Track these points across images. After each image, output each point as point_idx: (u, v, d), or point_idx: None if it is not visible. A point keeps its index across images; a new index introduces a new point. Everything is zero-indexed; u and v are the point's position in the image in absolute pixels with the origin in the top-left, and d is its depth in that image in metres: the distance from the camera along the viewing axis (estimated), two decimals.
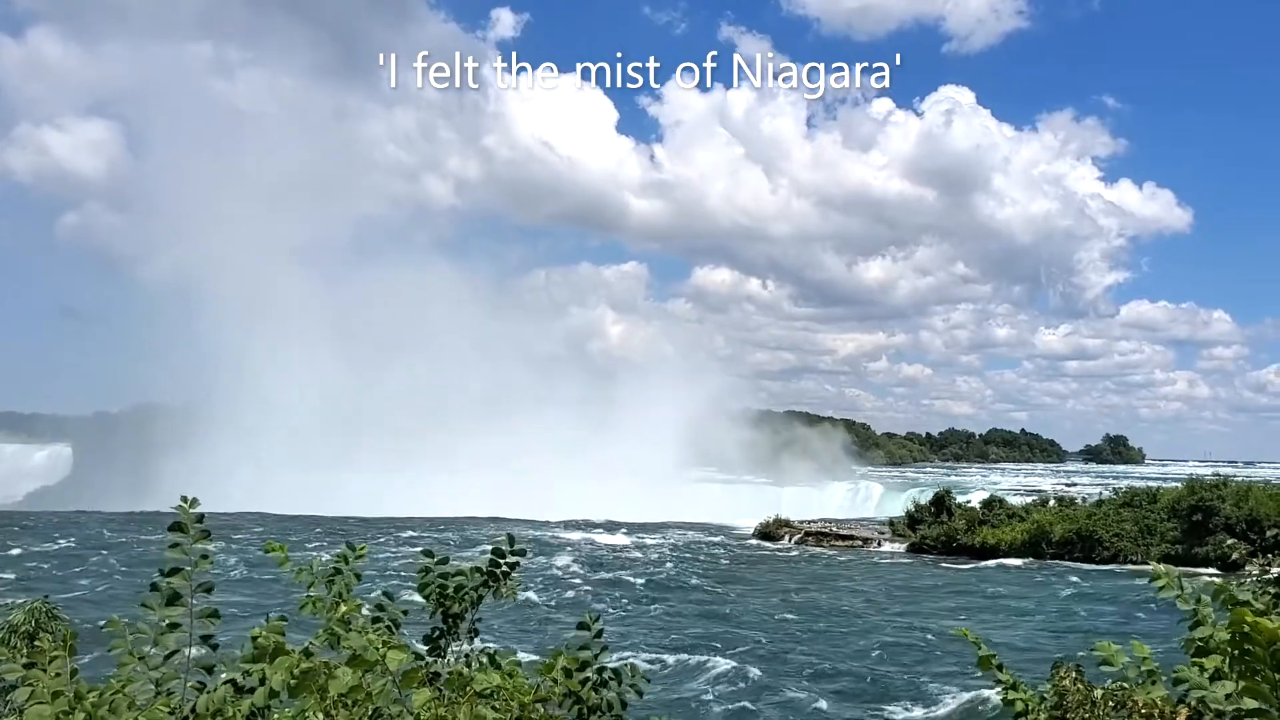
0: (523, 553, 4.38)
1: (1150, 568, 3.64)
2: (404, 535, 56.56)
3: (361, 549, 4.12)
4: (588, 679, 3.86)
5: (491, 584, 4.33)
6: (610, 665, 3.96)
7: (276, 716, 3.47)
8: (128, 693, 3.38)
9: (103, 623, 3.67)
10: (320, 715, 3.29)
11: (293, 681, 3.33)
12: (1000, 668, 3.72)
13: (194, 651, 3.57)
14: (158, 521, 55.66)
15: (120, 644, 3.55)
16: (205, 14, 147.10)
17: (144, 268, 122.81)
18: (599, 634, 4.01)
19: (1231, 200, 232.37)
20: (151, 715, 3.28)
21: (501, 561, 4.35)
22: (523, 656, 4.19)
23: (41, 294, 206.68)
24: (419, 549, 4.54)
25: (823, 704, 22.79)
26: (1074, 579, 44.17)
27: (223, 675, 3.51)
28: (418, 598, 4.34)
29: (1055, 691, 3.66)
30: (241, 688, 3.45)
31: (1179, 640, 3.39)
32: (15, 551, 44.94)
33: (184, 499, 3.76)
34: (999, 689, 3.72)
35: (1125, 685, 3.49)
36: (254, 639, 3.46)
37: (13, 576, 37.73)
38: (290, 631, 3.53)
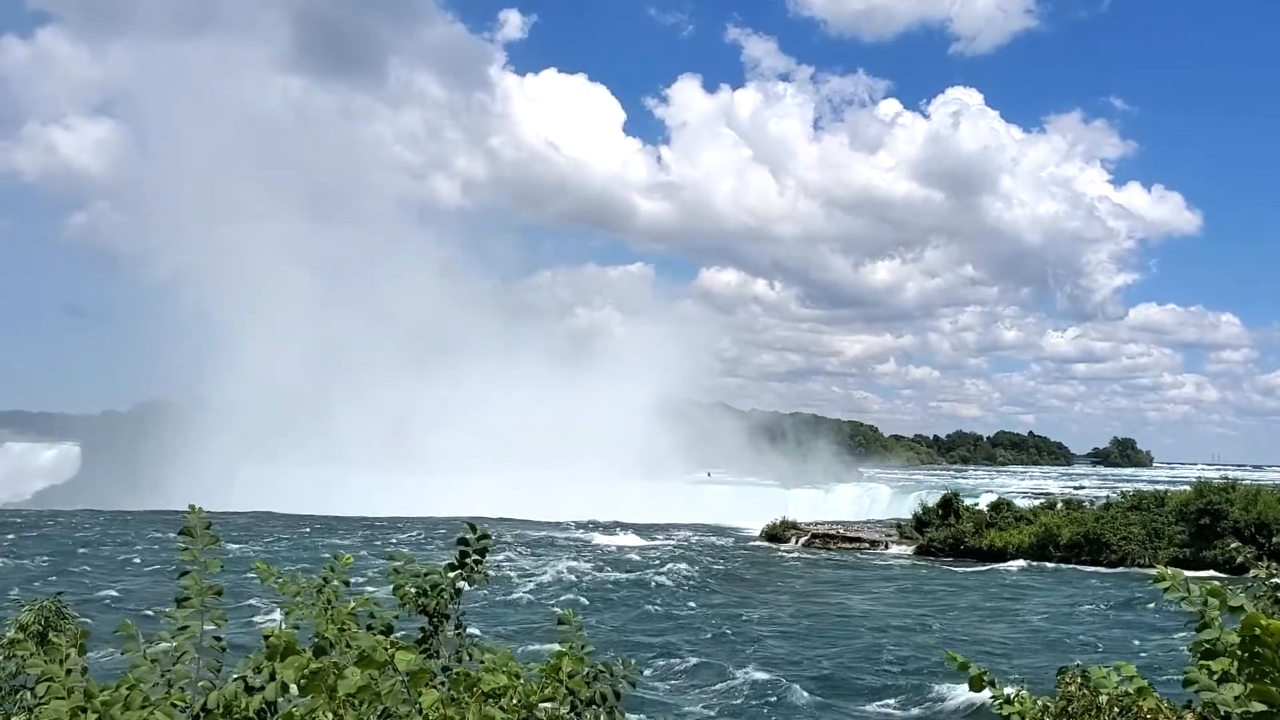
0: (487, 538, 4.43)
1: (1156, 570, 3.64)
2: (409, 536, 56.66)
3: (347, 559, 4.18)
4: (574, 672, 3.90)
5: (465, 574, 4.37)
6: (600, 660, 4.01)
7: (285, 714, 3.49)
8: (140, 689, 3.41)
9: (114, 628, 3.71)
10: (329, 715, 3.30)
11: (302, 681, 3.36)
12: (992, 684, 3.73)
13: (204, 653, 3.60)
14: (165, 521, 55.82)
15: (132, 646, 3.58)
16: (211, 13, 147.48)
17: (151, 267, 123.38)
18: (580, 628, 4.07)
19: (1240, 203, 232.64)
20: (164, 711, 3.31)
21: (469, 550, 4.39)
22: (526, 656, 4.22)
23: (50, 293, 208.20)
24: (425, 550, 4.57)
25: (830, 706, 22.77)
26: (1082, 582, 44.07)
27: (233, 674, 3.54)
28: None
29: (1061, 697, 3.66)
30: (252, 687, 3.47)
31: (1187, 645, 3.39)
32: (23, 550, 45.11)
33: (192, 507, 3.81)
34: (994, 703, 3.72)
35: (1130, 692, 3.50)
36: (266, 638, 3.49)
37: (21, 575, 37.88)
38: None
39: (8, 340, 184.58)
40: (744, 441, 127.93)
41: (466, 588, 4.36)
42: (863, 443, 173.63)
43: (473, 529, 4.43)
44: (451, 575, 4.33)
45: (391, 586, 4.31)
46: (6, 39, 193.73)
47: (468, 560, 4.38)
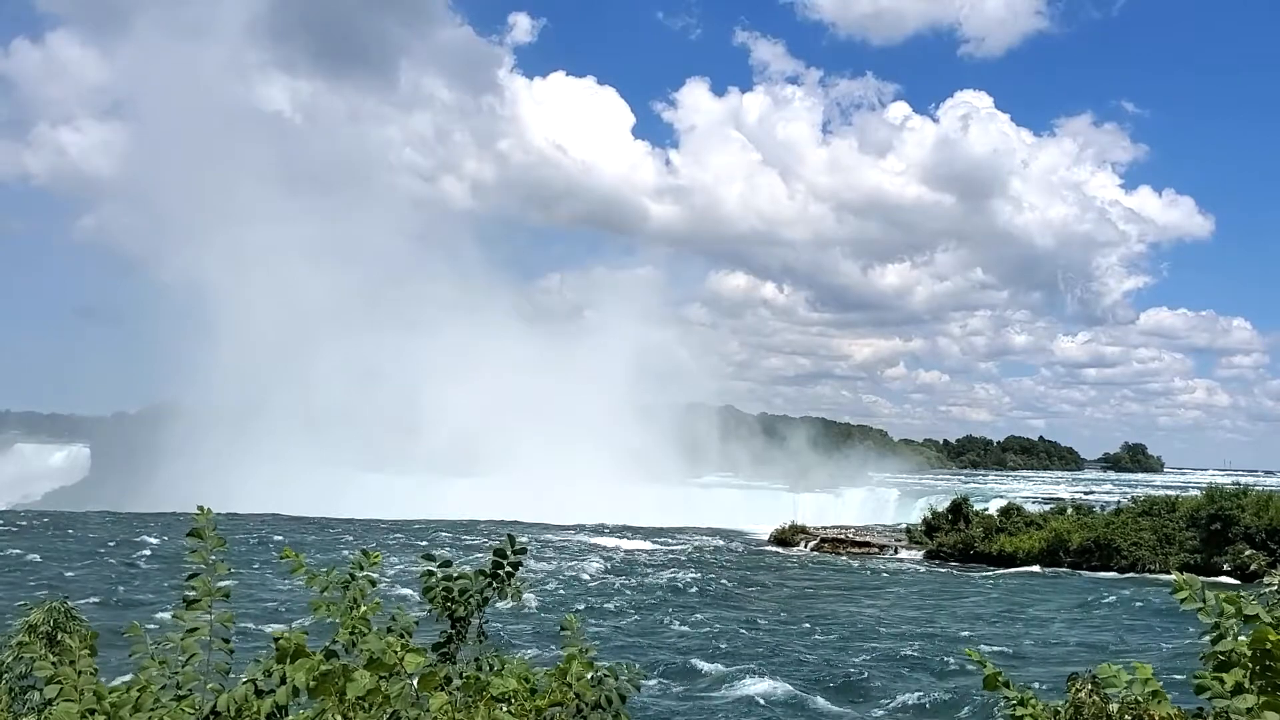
0: (523, 551, 4.40)
1: (1173, 577, 3.60)
2: (418, 538, 56.68)
3: (375, 556, 4.15)
4: (581, 676, 3.90)
5: (496, 585, 4.35)
6: (605, 664, 4.01)
7: (295, 718, 3.49)
8: (151, 691, 3.41)
9: (123, 629, 3.71)
10: (338, 718, 3.30)
11: (312, 683, 3.36)
12: (1007, 685, 3.70)
13: (213, 655, 3.60)
14: (176, 524, 55.94)
15: (140, 648, 3.59)
16: (222, 16, 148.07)
17: (162, 268, 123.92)
18: (582, 633, 4.09)
19: (1253, 207, 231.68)
20: (172, 715, 3.31)
21: (504, 562, 4.36)
22: (534, 658, 4.21)
23: (60, 295, 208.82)
24: (434, 553, 4.56)
25: (842, 711, 22.70)
26: (1092, 588, 43.88)
27: (243, 677, 3.55)
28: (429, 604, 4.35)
29: (1071, 705, 3.63)
30: (261, 690, 3.48)
31: (1198, 652, 3.36)
32: (33, 552, 45.23)
33: (201, 509, 3.81)
34: (1007, 706, 3.69)
35: (1141, 700, 3.45)
36: (276, 640, 3.49)
37: (31, 577, 37.98)
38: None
39: (19, 342, 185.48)
40: (752, 445, 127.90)
41: (496, 600, 4.34)
42: (872, 447, 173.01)
43: (512, 541, 4.39)
44: (482, 583, 4.31)
45: (423, 588, 4.30)
46: (17, 42, 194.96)
47: (500, 571, 4.35)
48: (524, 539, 4.41)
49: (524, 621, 31.38)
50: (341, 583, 4.01)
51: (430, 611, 4.25)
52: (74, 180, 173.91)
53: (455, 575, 4.32)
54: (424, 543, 53.35)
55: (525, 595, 4.48)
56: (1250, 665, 2.90)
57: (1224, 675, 3.04)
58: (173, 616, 3.68)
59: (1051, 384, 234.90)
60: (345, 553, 44.68)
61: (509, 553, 4.38)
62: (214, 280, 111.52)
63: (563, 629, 4.10)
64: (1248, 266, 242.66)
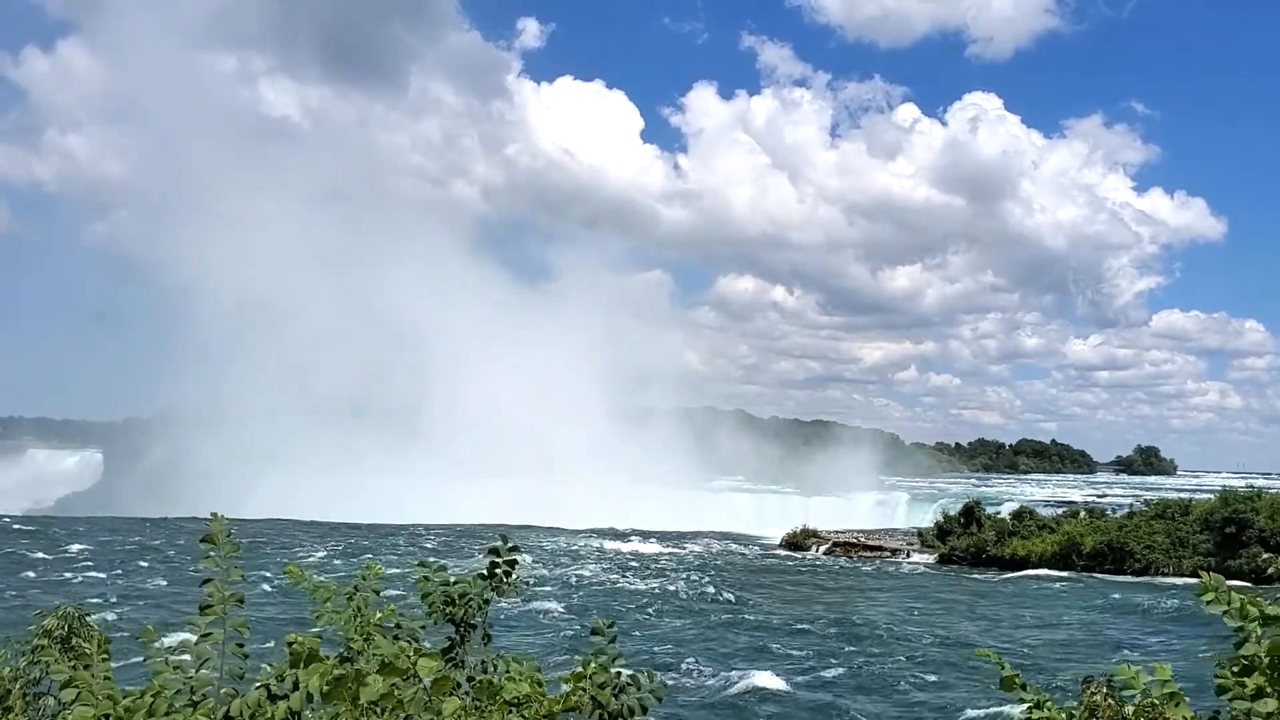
0: (517, 549, 4.42)
1: (1185, 581, 3.58)
2: (426, 542, 56.75)
3: (377, 568, 4.17)
4: (605, 683, 3.87)
5: (494, 585, 4.37)
6: (627, 671, 3.97)
7: None
8: (165, 696, 3.42)
9: (136, 635, 3.72)
10: None
11: (325, 688, 3.37)
12: (1024, 686, 3.68)
13: (226, 661, 3.61)
14: (187, 528, 56.12)
15: (154, 652, 3.60)
16: (230, 23, 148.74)
17: (173, 273, 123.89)
18: (614, 639, 4.03)
19: (1265, 209, 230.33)
20: (187, 719, 3.32)
21: (500, 561, 4.39)
22: (545, 662, 4.21)
23: (72, 300, 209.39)
24: (442, 557, 4.58)
25: (854, 713, 22.65)
26: (1105, 591, 43.70)
27: (256, 682, 3.55)
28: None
29: (1086, 708, 3.60)
30: (275, 695, 3.48)
31: (1207, 655, 3.33)
32: (47, 557, 45.43)
33: (214, 514, 3.83)
34: (1024, 707, 3.67)
35: (1157, 703, 3.43)
36: (290, 644, 3.50)
37: (44, 582, 38.15)
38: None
39: (31, 347, 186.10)
40: (763, 449, 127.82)
41: (496, 599, 4.35)
42: (883, 450, 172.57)
43: (504, 540, 4.41)
44: (481, 585, 4.32)
45: (421, 593, 4.31)
46: (27, 50, 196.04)
47: (497, 571, 4.37)
48: (533, 543, 4.43)
49: (530, 627, 31.41)
50: (345, 593, 4.03)
51: (430, 616, 4.25)
52: (84, 186, 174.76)
53: (453, 580, 4.35)
54: (433, 548, 53.44)
55: (535, 603, 4.48)
56: (1271, 670, 2.88)
57: (1245, 680, 3.02)
58: (189, 622, 3.69)
59: (1063, 387, 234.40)
60: (326, 559, 44.72)
61: (503, 552, 4.41)
62: (224, 285, 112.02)
63: (594, 633, 4.06)
64: (1260, 268, 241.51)
